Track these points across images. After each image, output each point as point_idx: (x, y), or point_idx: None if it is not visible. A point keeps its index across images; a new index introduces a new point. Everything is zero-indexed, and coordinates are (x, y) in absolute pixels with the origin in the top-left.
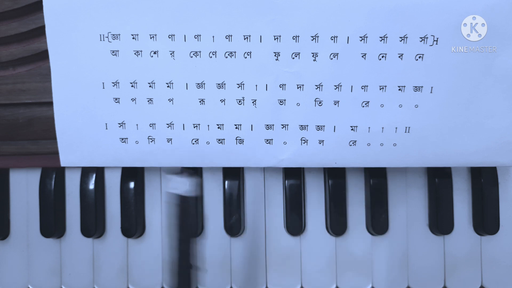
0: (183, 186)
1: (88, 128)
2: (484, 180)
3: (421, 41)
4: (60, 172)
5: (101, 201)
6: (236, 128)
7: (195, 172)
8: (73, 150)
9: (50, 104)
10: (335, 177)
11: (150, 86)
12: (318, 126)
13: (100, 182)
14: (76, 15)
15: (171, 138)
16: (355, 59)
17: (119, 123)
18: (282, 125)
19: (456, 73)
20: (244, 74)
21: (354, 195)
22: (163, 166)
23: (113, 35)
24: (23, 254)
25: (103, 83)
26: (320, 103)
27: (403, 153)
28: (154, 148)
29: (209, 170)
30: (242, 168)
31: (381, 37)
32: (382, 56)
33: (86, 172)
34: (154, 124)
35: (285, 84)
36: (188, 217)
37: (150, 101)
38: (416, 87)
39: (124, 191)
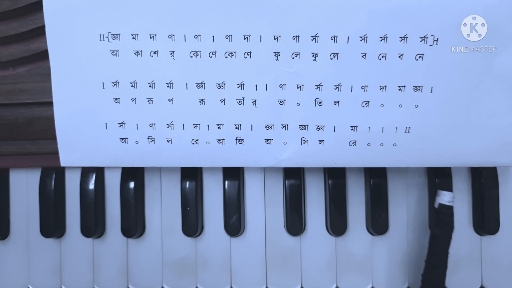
0: (449, 198)
1: (88, 128)
2: (484, 180)
3: (421, 41)
4: (60, 172)
5: (101, 201)
6: (236, 128)
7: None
8: (73, 150)
9: (50, 104)
10: (335, 177)
11: (150, 86)
12: (318, 126)
13: (100, 182)
14: (76, 15)
15: (171, 138)
16: (355, 59)
17: (119, 123)
18: (282, 125)
19: (456, 73)
20: (244, 74)
21: (354, 195)
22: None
23: (113, 35)
24: (23, 254)
25: (103, 83)
26: (320, 103)
27: (403, 153)
28: (154, 148)
29: (209, 170)
30: (242, 168)
31: (381, 37)
32: (382, 56)
33: (86, 172)
34: (154, 124)
35: (285, 84)
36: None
37: (150, 101)
38: (416, 87)
39: (124, 191)
